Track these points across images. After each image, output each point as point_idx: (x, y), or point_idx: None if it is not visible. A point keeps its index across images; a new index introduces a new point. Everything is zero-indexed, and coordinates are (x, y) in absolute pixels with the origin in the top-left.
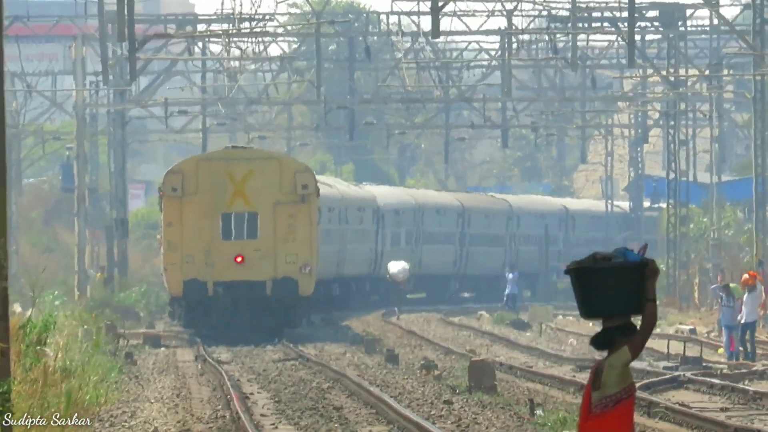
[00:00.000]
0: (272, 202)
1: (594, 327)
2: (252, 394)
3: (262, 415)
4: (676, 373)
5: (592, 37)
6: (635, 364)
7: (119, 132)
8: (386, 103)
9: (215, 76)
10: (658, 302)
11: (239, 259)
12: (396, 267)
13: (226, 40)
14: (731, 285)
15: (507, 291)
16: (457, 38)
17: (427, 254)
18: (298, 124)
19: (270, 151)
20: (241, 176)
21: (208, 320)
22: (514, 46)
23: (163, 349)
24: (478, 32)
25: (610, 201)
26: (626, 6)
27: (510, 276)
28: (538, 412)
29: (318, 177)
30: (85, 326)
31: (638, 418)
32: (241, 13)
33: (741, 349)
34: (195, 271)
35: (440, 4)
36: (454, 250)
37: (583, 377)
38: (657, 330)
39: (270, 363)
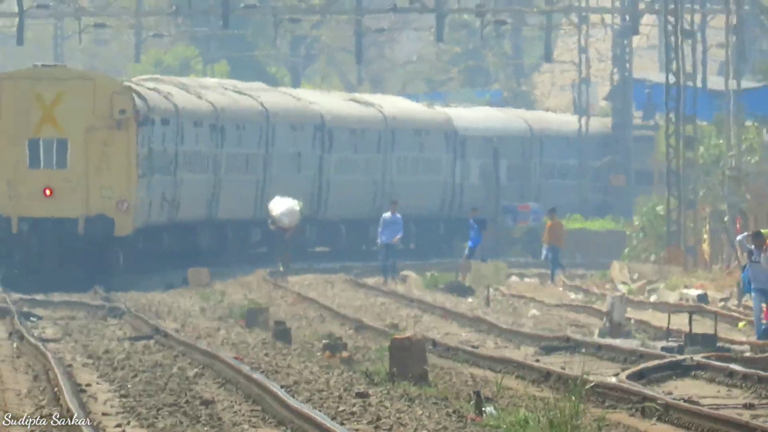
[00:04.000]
0: (84, 127)
1: (562, 291)
2: (89, 384)
3: (103, 414)
4: (680, 357)
5: None
6: (620, 343)
7: None
8: None
9: None
10: (653, 258)
11: (48, 191)
12: (280, 207)
13: None
14: (763, 231)
15: (470, 243)
16: None
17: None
18: (151, 7)
19: (84, 70)
20: (50, 99)
21: (11, 263)
22: None
23: None
24: None
25: (584, 116)
26: None
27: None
28: (489, 409)
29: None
30: None
31: (628, 419)
32: None
33: None
34: None
35: None
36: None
37: (550, 361)
38: (653, 297)
39: (114, 342)
